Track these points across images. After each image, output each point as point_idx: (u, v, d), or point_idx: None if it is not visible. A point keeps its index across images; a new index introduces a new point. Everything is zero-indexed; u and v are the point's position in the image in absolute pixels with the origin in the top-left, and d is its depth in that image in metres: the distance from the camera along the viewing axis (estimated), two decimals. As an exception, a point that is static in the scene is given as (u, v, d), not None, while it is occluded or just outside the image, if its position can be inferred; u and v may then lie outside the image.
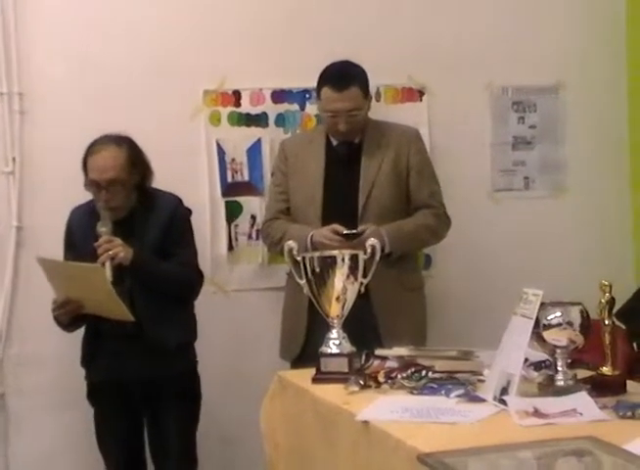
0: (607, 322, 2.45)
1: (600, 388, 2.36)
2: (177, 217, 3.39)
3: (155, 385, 3.32)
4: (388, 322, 3.49)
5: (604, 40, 4.33)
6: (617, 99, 4.34)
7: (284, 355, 3.68)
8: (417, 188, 3.62)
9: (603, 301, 2.45)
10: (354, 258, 2.85)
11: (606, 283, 2.48)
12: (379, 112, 3.84)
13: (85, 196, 3.36)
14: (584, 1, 4.32)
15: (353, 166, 3.59)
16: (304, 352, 3.48)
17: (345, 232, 3.39)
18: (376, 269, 2.91)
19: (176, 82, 3.86)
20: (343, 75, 3.51)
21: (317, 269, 2.84)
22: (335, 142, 3.64)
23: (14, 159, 3.73)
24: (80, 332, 3.41)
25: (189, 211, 3.47)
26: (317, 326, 3.27)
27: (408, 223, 3.56)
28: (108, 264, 3.17)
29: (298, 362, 3.45)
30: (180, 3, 3.90)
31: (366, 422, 2.31)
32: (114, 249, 3.18)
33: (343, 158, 3.62)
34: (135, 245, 3.24)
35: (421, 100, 4.14)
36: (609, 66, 4.32)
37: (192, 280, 3.41)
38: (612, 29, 4.34)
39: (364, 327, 3.30)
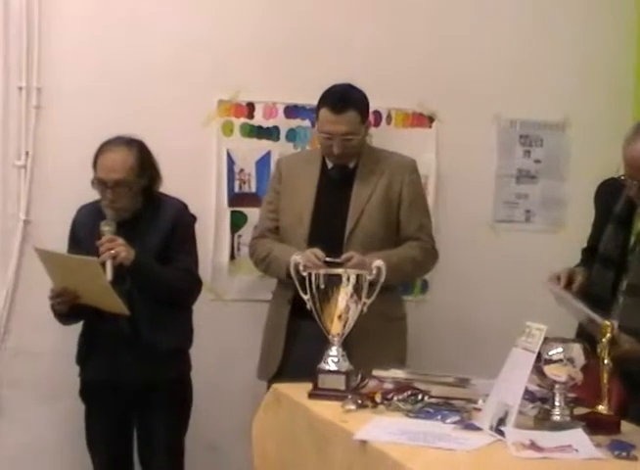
0: (606, 362, 2.48)
1: (595, 426, 2.38)
2: (181, 223, 3.41)
3: (147, 388, 3.34)
4: (363, 351, 3.21)
5: (611, 79, 4.38)
6: (622, 139, 4.39)
7: (261, 375, 3.59)
8: (407, 219, 3.55)
9: (604, 340, 2.49)
10: (359, 279, 2.87)
11: (608, 323, 2.53)
12: (388, 135, 3.88)
13: (95, 195, 3.38)
14: (594, 39, 4.36)
15: (345, 191, 3.53)
16: (281, 372, 3.42)
17: (327, 260, 3.29)
18: None
19: (192, 90, 3.88)
20: (343, 98, 3.46)
21: (322, 286, 2.85)
22: (330, 165, 3.59)
23: (27, 153, 3.73)
24: (77, 329, 3.43)
25: (193, 218, 3.49)
26: (294, 347, 3.27)
27: (394, 254, 3.44)
28: (109, 263, 3.18)
29: (275, 382, 3.23)
30: (202, 13, 3.92)
31: (364, 442, 2.32)
32: (117, 248, 3.20)
33: (336, 182, 3.56)
34: (137, 247, 3.25)
35: (430, 126, 4.18)
36: (615, 105, 4.35)
37: (189, 287, 3.42)
38: (620, 68, 4.39)
39: None
